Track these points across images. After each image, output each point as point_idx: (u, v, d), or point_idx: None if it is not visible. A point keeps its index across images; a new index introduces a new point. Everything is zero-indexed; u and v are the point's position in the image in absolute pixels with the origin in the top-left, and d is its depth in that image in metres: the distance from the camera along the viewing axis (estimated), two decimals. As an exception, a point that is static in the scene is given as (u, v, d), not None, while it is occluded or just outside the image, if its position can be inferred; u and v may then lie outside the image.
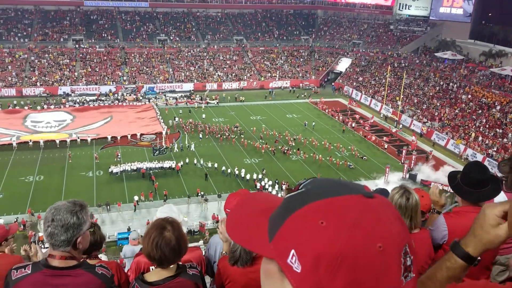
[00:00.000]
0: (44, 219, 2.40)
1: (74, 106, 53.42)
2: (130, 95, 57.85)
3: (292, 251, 0.83)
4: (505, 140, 43.82)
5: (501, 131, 45.23)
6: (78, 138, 43.87)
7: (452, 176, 3.26)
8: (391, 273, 0.79)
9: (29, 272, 2.37)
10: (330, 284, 0.78)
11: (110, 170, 37.07)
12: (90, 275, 2.46)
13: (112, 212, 32.17)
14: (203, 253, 3.93)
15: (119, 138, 44.60)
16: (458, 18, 71.05)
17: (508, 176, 2.10)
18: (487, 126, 46.80)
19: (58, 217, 2.33)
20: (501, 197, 3.51)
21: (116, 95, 57.92)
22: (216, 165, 39.01)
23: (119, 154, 40.84)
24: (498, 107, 49.13)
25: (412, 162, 40.16)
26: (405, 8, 75.46)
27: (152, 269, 3.21)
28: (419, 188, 4.32)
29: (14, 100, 53.43)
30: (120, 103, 55.51)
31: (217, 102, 57.44)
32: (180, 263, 2.84)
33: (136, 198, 33.06)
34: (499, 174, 4.39)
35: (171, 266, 2.73)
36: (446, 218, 3.18)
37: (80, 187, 35.19)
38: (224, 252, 3.23)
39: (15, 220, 29.40)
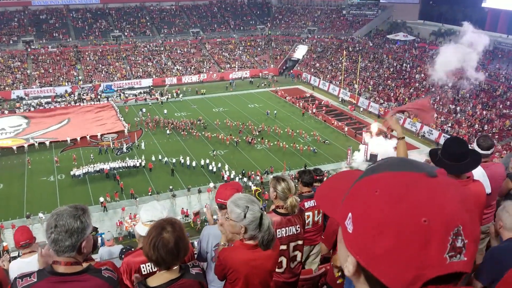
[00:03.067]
0: (46, 226, 2.34)
1: (29, 110, 51.78)
2: (87, 95, 56.53)
3: (349, 214, 0.95)
4: (458, 115, 45.82)
5: (454, 107, 47.24)
6: (36, 142, 42.66)
7: (433, 153, 3.52)
8: (433, 248, 0.83)
9: (35, 280, 2.33)
10: (374, 247, 0.87)
11: (72, 173, 36.34)
12: (98, 280, 2.43)
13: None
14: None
15: (78, 139, 43.68)
16: (407, 0, 73.08)
17: None
18: (441, 103, 48.73)
19: (61, 222, 2.28)
20: (478, 169, 3.89)
21: (72, 95, 56.46)
22: (182, 160, 38.96)
23: (75, 157, 40.05)
24: (450, 84, 51.15)
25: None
26: (357, -7, 76.96)
27: (143, 268, 3.28)
28: None
29: (-36, 108, 51.29)
30: (77, 104, 54.23)
31: (181, 96, 57.06)
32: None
33: (102, 199, 32.65)
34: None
35: (174, 267, 2.61)
36: None
37: (42, 192, 34.35)
38: (222, 243, 3.20)
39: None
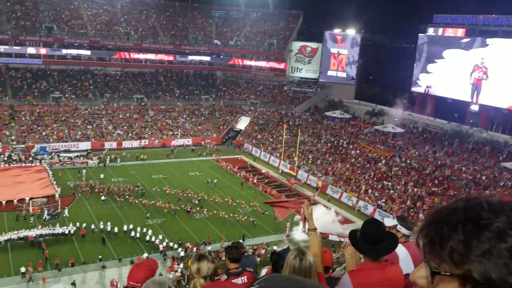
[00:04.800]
0: None
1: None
2: (18, 156, 53.69)
3: None
4: (391, 191, 47.89)
5: (388, 183, 49.47)
6: (-45, 205, 39.30)
7: (352, 234, 3.48)
8: None
9: None
10: None
11: (-7, 239, 33.47)
12: None
13: (-5, 287, 28.76)
14: None
15: (3, 203, 40.73)
16: (343, 81, 78.25)
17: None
18: (375, 179, 50.94)
19: None
20: (400, 249, 3.95)
21: (2, 156, 53.39)
22: (114, 229, 37.17)
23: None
24: (384, 161, 53.93)
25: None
26: (297, 71, 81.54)
27: None
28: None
29: None
30: (6, 165, 51.20)
31: (119, 161, 55.63)
32: None
33: (23, 269, 30.01)
34: (399, 227, 4.90)
35: None
36: (351, 276, 3.25)
37: (-44, 261, 31.16)
38: None
39: None
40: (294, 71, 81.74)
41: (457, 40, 61.56)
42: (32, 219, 38.11)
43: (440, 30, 64.26)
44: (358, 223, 41.14)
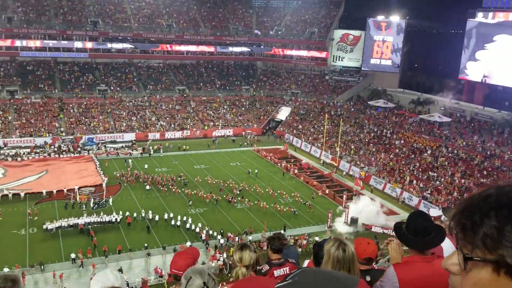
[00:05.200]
0: None
1: (7, 160, 50.71)
2: (67, 147, 55.90)
3: None
4: (437, 182, 46.42)
5: (433, 174, 47.95)
6: (10, 193, 41.38)
7: (397, 227, 3.41)
8: None
9: None
10: None
11: (44, 226, 35.06)
12: None
13: (46, 272, 30.14)
14: None
15: (55, 192, 42.55)
16: (387, 69, 76.17)
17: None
18: (420, 169, 49.48)
19: None
20: (447, 243, 3.77)
21: (52, 147, 55.74)
22: (156, 217, 38.06)
23: (32, 213, 38.81)
24: (429, 151, 52.29)
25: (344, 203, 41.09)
26: (339, 60, 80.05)
27: None
28: (362, 238, 4.31)
29: None
30: (56, 155, 53.43)
31: (161, 151, 56.84)
32: None
33: (73, 255, 31.32)
34: (444, 218, 4.72)
35: None
36: (397, 268, 3.22)
37: (11, 246, 32.87)
38: None
39: None
40: (336, 60, 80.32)
41: (508, 24, 58.41)
42: (84, 207, 39.65)
43: (490, 15, 61.06)
44: (402, 215, 40.23)
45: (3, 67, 68.64)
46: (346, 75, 78.41)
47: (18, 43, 69.65)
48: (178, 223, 37.24)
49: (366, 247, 3.98)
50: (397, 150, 54.66)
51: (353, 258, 3.04)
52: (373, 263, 4.22)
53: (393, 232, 3.52)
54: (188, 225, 36.85)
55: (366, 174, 50.74)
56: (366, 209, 39.42)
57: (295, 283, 0.94)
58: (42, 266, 30.20)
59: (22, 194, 41.46)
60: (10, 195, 41.12)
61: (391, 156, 53.85)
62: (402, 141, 56.15)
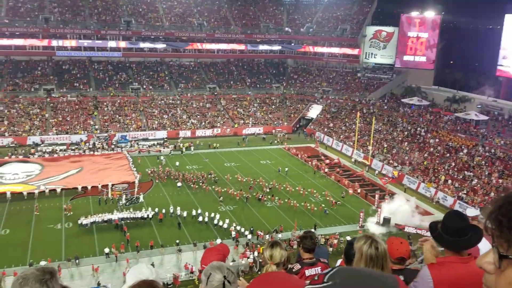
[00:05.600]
0: None
1: (44, 156, 52.27)
2: (101, 144, 57.16)
3: None
4: (474, 182, 44.97)
5: (469, 173, 46.49)
6: (47, 189, 42.63)
7: (433, 226, 3.31)
8: None
9: None
10: None
11: (79, 221, 35.92)
12: None
13: (82, 266, 30.87)
14: None
15: (89, 188, 43.57)
16: (422, 66, 74.38)
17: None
18: (456, 169, 48.06)
19: (27, 287, 2.14)
20: (484, 243, 3.57)
21: (87, 144, 57.12)
22: (184, 213, 38.39)
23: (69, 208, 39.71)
24: (465, 151, 50.73)
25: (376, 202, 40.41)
26: (371, 57, 78.72)
27: None
28: (394, 237, 4.19)
29: (-20, 151, 51.89)
30: (91, 152, 54.69)
31: (192, 149, 57.35)
32: None
33: (107, 250, 31.96)
34: (481, 217, 4.49)
35: None
36: (431, 269, 3.15)
37: (48, 240, 33.82)
38: None
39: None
40: (369, 56, 79.05)
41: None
42: (120, 203, 40.47)
43: (530, 9, 58.81)
44: (437, 215, 39.21)
45: (41, 66, 70.79)
46: (379, 72, 77.02)
47: (54, 43, 71.67)
48: (206, 219, 37.48)
49: (399, 247, 3.91)
50: (432, 149, 53.28)
51: (386, 255, 3.01)
52: (406, 263, 4.13)
53: (427, 233, 3.46)
54: (215, 221, 37.08)
55: (399, 173, 49.68)
56: (401, 209, 38.61)
57: (335, 285, 0.88)
58: (77, 260, 30.95)
59: (58, 190, 42.63)
60: (47, 191, 42.35)
61: (425, 155, 52.54)
62: (437, 140, 54.70)
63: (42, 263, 29.55)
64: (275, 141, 63.68)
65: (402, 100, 66.65)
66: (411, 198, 42.33)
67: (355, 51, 79.48)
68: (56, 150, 54.11)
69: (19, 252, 31.76)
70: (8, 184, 43.90)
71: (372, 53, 78.66)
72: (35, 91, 66.04)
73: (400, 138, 57.93)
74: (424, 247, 3.69)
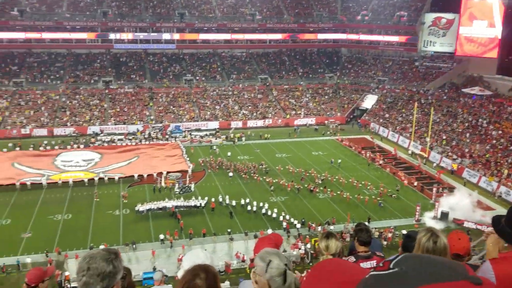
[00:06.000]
0: (77, 269, 2.32)
1: (103, 145, 54.43)
2: (156, 134, 58.74)
3: None
4: (541, 177, 42.14)
5: (536, 167, 43.60)
6: (106, 177, 44.38)
7: (496, 220, 3.07)
8: None
9: None
10: None
11: (136, 208, 37.11)
12: None
13: (138, 251, 31.90)
14: None
15: (145, 176, 44.92)
16: (484, 54, 70.26)
17: None
18: (521, 162, 45.23)
19: (94, 265, 2.27)
20: None
21: (143, 134, 58.88)
22: (232, 202, 38.63)
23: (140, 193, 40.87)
24: (532, 143, 47.59)
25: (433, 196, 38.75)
26: (430, 45, 75.34)
27: None
28: (457, 231, 4.02)
29: (45, 140, 54.78)
30: (147, 142, 56.33)
31: (244, 139, 57.66)
32: None
33: (161, 236, 32.83)
34: None
35: None
36: (493, 264, 2.94)
37: (107, 225, 35.26)
38: None
39: (48, 260, 29.35)
40: (427, 45, 75.65)
41: None
42: (176, 191, 41.46)
43: None
44: (498, 210, 37.11)
45: (100, 59, 73.59)
46: (438, 61, 73.67)
47: (112, 36, 74.20)
48: (254, 208, 37.59)
49: (456, 243, 3.81)
50: (494, 141, 50.41)
51: (445, 250, 2.91)
52: (464, 260, 3.94)
53: (488, 228, 3.23)
54: (264, 211, 37.24)
55: (459, 167, 47.44)
56: (461, 204, 36.87)
57: (401, 272, 0.81)
58: (134, 245, 32.02)
59: (116, 178, 44.26)
60: (105, 178, 44.09)
61: (487, 147, 49.80)
62: (500, 132, 51.67)
63: (101, 247, 30.78)
64: (328, 132, 62.70)
65: (463, 90, 63.42)
66: (473, 192, 40.31)
67: (412, 39, 76.39)
68: (114, 139, 56.18)
69: (80, 236, 33.30)
70: (71, 172, 46.13)
71: (431, 41, 75.20)
72: (95, 83, 68.82)
73: (460, 130, 55.25)
74: (488, 239, 3.48)
